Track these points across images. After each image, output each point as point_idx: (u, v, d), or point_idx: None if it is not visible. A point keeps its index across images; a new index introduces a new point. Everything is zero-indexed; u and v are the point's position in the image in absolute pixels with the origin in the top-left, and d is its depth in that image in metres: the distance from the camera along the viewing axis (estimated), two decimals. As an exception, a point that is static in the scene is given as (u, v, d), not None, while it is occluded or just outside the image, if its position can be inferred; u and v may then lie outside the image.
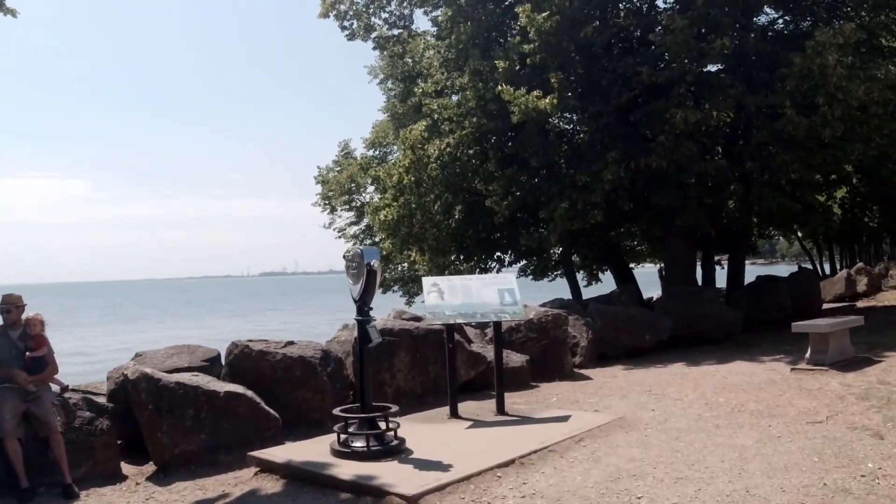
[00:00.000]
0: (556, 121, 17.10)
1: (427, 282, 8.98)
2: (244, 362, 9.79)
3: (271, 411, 8.80)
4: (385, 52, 23.85)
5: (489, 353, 11.12)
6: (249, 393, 8.77)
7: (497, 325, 8.77)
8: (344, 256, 7.37)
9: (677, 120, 14.90)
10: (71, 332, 47.06)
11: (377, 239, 23.22)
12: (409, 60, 22.03)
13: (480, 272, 22.66)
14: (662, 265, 33.65)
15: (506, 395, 9.22)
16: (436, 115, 17.93)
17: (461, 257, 21.75)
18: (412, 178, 17.97)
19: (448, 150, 17.91)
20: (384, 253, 20.84)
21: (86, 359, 29.60)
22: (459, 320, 8.56)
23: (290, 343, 10.11)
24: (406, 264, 27.08)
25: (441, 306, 8.64)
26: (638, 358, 14.59)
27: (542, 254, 22.77)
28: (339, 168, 30.06)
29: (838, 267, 41.89)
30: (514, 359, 11.35)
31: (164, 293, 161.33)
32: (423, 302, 9.02)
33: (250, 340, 10.11)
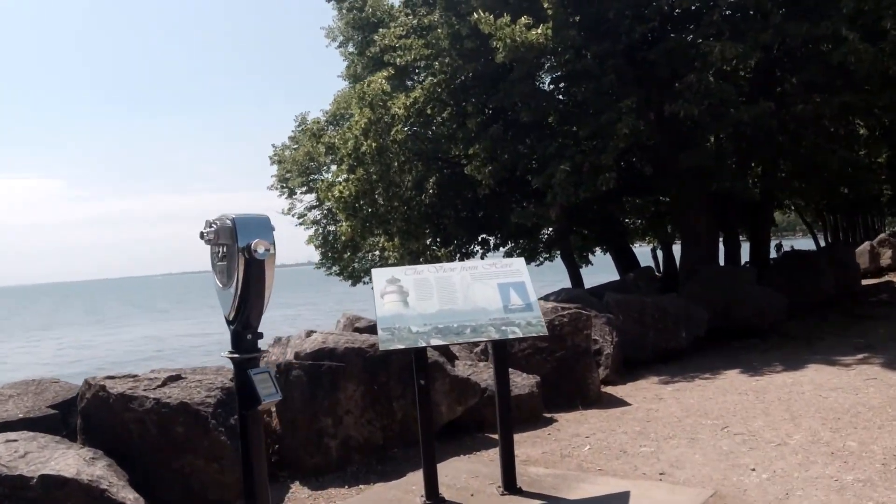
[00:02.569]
0: (552, 61, 13.46)
1: (380, 277, 5.39)
2: (101, 412, 6.30)
3: (131, 499, 5.29)
4: (343, 6, 20.11)
5: (483, 375, 7.56)
6: (93, 472, 5.27)
7: (499, 347, 5.16)
8: (202, 234, 3.75)
9: (714, 55, 11.38)
10: None
11: (340, 222, 19.50)
12: (370, 9, 18.31)
13: (462, 259, 19.06)
14: (656, 244, 30.16)
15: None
16: (398, 60, 14.27)
17: (438, 241, 18.15)
18: (372, 144, 14.30)
19: (416, 106, 14.26)
20: (343, 238, 17.21)
21: None
22: (436, 341, 4.94)
23: (174, 378, 6.51)
24: (377, 252, 23.59)
25: (403, 318, 5.07)
26: (673, 363, 11.11)
27: (537, 233, 19.24)
28: (296, 145, 26.27)
29: (840, 239, 38.74)
30: (519, 382, 7.79)
31: (142, 291, 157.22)
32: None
33: (110, 377, 6.51)
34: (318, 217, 26.09)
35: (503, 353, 5.17)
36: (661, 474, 5.75)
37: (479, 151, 13.18)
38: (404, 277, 5.34)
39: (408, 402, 6.69)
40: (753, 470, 5.67)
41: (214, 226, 3.67)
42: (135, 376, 6.53)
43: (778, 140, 12.71)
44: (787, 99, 12.75)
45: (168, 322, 54.08)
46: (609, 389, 9.12)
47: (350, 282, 26.03)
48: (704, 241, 15.58)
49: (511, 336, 5.03)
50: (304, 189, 26.20)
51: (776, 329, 13.04)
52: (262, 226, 3.67)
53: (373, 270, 5.50)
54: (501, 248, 20.88)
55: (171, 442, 6.07)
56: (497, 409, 5.20)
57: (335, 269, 26.12)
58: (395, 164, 14.47)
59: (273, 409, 6.90)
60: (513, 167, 13.66)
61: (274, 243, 3.68)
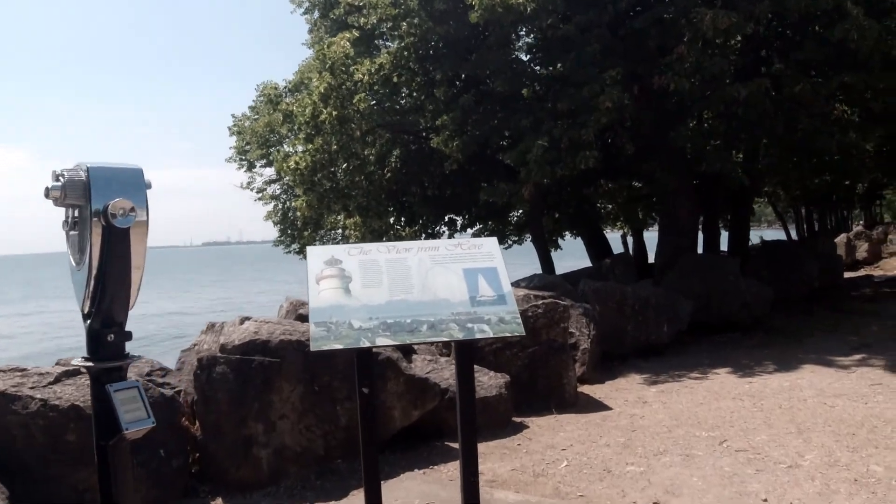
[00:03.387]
0: (531, 26, 12.35)
1: (315, 257, 4.30)
2: (-22, 413, 5.14)
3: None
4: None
5: (444, 373, 6.52)
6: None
7: (464, 349, 4.09)
8: (47, 191, 2.61)
9: (705, 24, 10.38)
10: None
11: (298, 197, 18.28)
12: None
13: (427, 239, 17.97)
14: (627, 230, 29.27)
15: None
16: (363, 21, 13.09)
17: (402, 220, 17.06)
18: (332, 112, 13.12)
19: (382, 73, 13.11)
20: (300, 213, 16.04)
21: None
22: (384, 340, 3.87)
23: (71, 373, 5.39)
24: (340, 230, 22.47)
25: (343, 310, 3.99)
26: (654, 358, 10.19)
27: (507, 214, 18.17)
28: (256, 115, 24.90)
29: (815, 231, 38.14)
30: (486, 382, 6.75)
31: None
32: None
33: (-5, 369, 5.39)
34: (278, 192, 24.82)
35: (468, 357, 4.12)
36: (654, 503, 4.75)
37: (448, 123, 12.07)
38: (347, 258, 4.25)
39: (355, 405, 5.60)
40: (765, 501, 4.69)
41: (62, 179, 2.56)
42: (23, 370, 5.40)
43: (771, 121, 11.72)
44: (780, 78, 11.78)
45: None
46: (586, 389, 8.13)
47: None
48: (685, 228, 14.66)
49: (479, 336, 3.97)
50: (263, 162, 24.88)
51: (760, 323, 12.16)
52: (129, 181, 2.58)
53: (307, 249, 4.39)
54: (469, 230, 19.83)
55: (61, 453, 4.98)
56: (459, 424, 4.15)
57: (294, 247, 24.90)
58: (357, 134, 13.29)
59: (189, 408, 5.82)
60: (484, 142, 12.59)
61: (146, 206, 2.59)
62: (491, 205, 14.07)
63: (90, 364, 2.69)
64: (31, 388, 5.14)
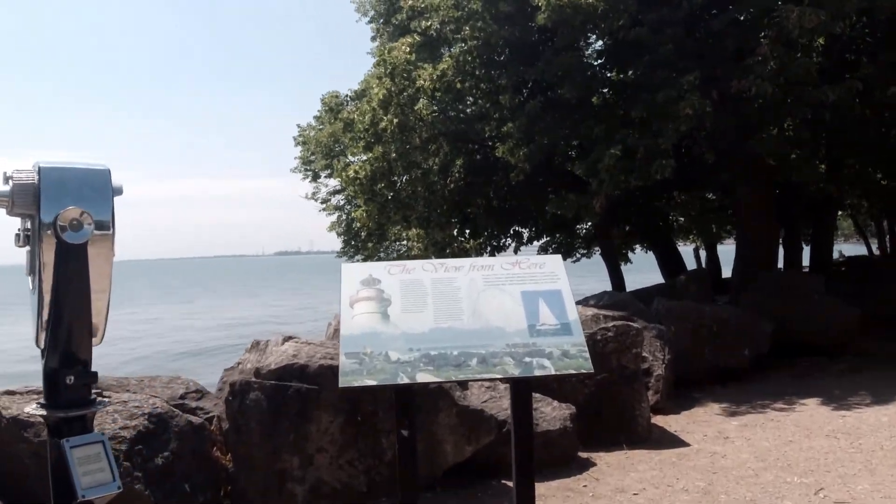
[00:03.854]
0: (601, 27, 11.67)
1: (350, 276, 3.73)
2: (-14, 438, 4.72)
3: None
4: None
5: (503, 403, 5.89)
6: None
7: (520, 386, 3.47)
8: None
9: (791, 22, 9.58)
10: None
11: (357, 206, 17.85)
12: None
13: (491, 254, 17.37)
14: (699, 244, 28.17)
15: (536, 486, 3.89)
16: (425, 25, 12.57)
17: (466, 232, 16.47)
18: (393, 119, 12.64)
19: (445, 79, 12.57)
20: (359, 224, 15.59)
21: None
22: (426, 376, 3.27)
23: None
24: (404, 241, 22.06)
25: (380, 338, 3.43)
26: (732, 384, 9.40)
27: (575, 226, 17.46)
28: (320, 126, 24.67)
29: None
30: (549, 414, 6.10)
31: (172, 273, 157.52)
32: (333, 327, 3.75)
33: (9, 392, 4.96)
34: (342, 202, 24.53)
35: (525, 397, 3.50)
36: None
37: (514, 131, 11.45)
38: (387, 278, 3.68)
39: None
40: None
41: (10, 182, 2.03)
42: (40, 392, 4.95)
43: (861, 127, 10.82)
44: (869, 81, 10.88)
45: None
46: (659, 421, 7.41)
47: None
48: (763, 243, 13.77)
49: (538, 373, 3.36)
50: (327, 172, 24.64)
51: (847, 347, 11.22)
52: (90, 184, 2.04)
53: (342, 266, 3.83)
54: (536, 242, 19.18)
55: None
56: (514, 473, 3.54)
57: (357, 258, 24.59)
58: (418, 142, 12.77)
59: (222, 437, 5.31)
60: (551, 151, 11.94)
61: (112, 216, 2.05)
62: (558, 217, 13.42)
63: (44, 412, 2.16)
64: (44, 416, 4.68)
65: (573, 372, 3.45)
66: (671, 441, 6.76)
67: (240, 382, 5.16)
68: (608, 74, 12.89)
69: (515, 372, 3.32)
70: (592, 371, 3.48)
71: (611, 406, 6.75)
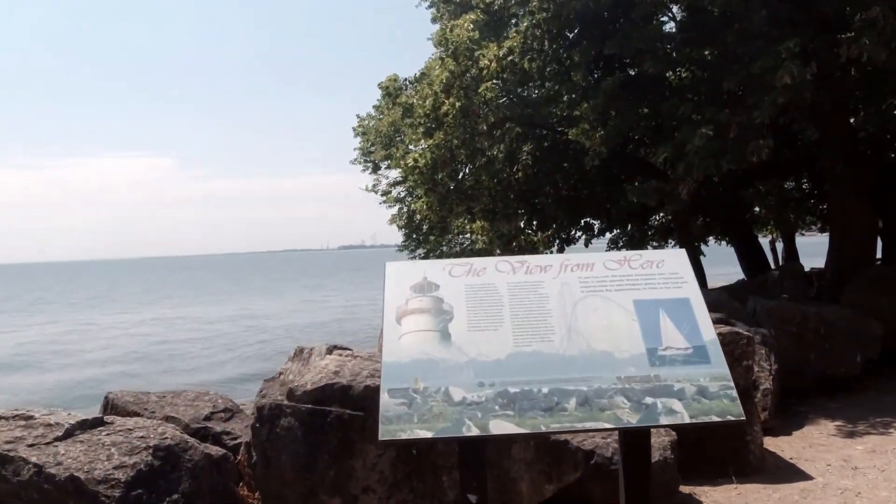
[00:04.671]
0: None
1: (398, 278, 2.74)
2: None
3: None
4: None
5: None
6: None
7: (637, 440, 2.45)
8: None
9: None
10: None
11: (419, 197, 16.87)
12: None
13: (560, 248, 16.26)
14: (776, 236, 26.53)
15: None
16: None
17: (533, 224, 15.38)
18: (455, 103, 11.63)
19: (511, 58, 11.52)
20: (419, 215, 14.65)
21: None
22: (504, 425, 2.27)
23: (91, 424, 4.05)
24: (469, 235, 21.07)
25: (436, 368, 2.43)
26: (842, 397, 8.22)
27: (648, 217, 16.23)
28: (380, 115, 23.75)
29: None
30: (645, 441, 5.05)
31: (240, 267, 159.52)
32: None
33: (-8, 417, 4.11)
34: (402, 194, 23.62)
35: (642, 455, 2.49)
36: None
37: (588, 112, 10.35)
38: (448, 281, 2.70)
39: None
40: None
41: None
42: (29, 417, 4.09)
43: None
44: None
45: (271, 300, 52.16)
46: (770, 444, 6.29)
47: (437, 267, 23.54)
48: (863, 234, 12.41)
49: (665, 421, 2.34)
50: (387, 163, 23.76)
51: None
52: None
53: (387, 265, 2.85)
54: (607, 234, 17.97)
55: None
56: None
57: (419, 252, 23.73)
58: (483, 127, 11.75)
59: (249, 468, 4.39)
60: (629, 133, 10.80)
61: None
62: (634, 206, 12.28)
63: None
64: (30, 445, 3.82)
65: (716, 420, 2.41)
66: (789, 472, 5.65)
67: (269, 406, 4.23)
68: (692, 48, 11.69)
69: (632, 419, 2.31)
70: (744, 418, 2.43)
71: (715, 432, 5.65)
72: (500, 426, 2.27)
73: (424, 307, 2.59)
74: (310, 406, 4.16)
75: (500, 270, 2.73)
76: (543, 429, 2.33)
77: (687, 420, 2.32)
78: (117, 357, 23.53)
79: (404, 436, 2.27)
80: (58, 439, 3.90)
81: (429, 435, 2.26)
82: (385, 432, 2.29)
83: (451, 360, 2.44)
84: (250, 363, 21.83)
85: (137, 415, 5.03)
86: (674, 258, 2.82)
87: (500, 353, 2.44)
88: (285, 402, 4.25)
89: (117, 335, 30.08)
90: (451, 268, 2.73)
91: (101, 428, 4.04)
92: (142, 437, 3.96)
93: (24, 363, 23.23)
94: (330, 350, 5.33)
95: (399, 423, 2.29)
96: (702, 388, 2.37)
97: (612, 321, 2.53)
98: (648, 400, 2.33)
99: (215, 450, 4.24)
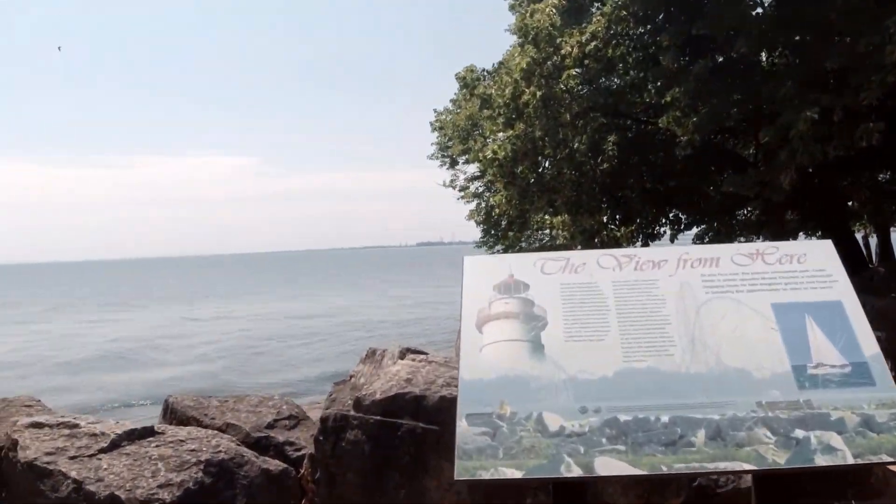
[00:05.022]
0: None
1: (479, 274, 2.26)
2: (11, 485, 3.57)
3: None
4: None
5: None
6: None
7: (781, 482, 1.94)
8: None
9: None
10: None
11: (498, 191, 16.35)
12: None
13: (644, 243, 15.59)
14: (869, 231, 25.20)
15: None
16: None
17: (617, 218, 14.73)
18: (536, 92, 11.10)
19: (594, 44, 10.94)
20: (499, 210, 14.16)
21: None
22: (610, 465, 1.79)
23: (140, 434, 3.70)
24: (548, 231, 20.48)
25: (527, 389, 1.94)
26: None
27: (735, 211, 15.38)
28: (457, 108, 23.30)
29: None
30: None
31: (321, 264, 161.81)
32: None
33: (36, 424, 3.79)
34: (480, 189, 23.12)
35: (783, 498, 1.97)
36: None
37: (679, 98, 9.71)
38: (540, 279, 2.22)
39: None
40: None
41: None
42: (75, 425, 3.76)
43: None
44: None
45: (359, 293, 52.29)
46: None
47: (514, 262, 23.06)
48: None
49: (824, 462, 1.82)
50: (465, 158, 23.30)
51: None
52: None
53: (465, 260, 2.38)
54: (695, 228, 17.18)
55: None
56: None
57: (498, 248, 23.24)
58: (567, 118, 11.19)
59: (313, 483, 3.98)
60: (723, 119, 10.12)
61: None
62: (724, 200, 11.61)
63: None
64: (72, 457, 3.48)
65: (887, 460, 1.88)
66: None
67: (334, 417, 3.81)
68: (787, 28, 10.93)
69: (780, 460, 1.80)
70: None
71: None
72: (609, 465, 1.79)
73: (511, 311, 2.12)
74: (379, 418, 3.73)
75: (602, 266, 2.23)
76: (665, 469, 1.83)
77: (850, 461, 1.80)
78: (209, 354, 23.60)
79: (486, 475, 1.80)
80: (102, 451, 3.56)
81: (518, 475, 1.79)
82: (462, 470, 1.83)
83: (544, 379, 1.96)
84: (340, 361, 21.77)
85: (196, 421, 4.69)
86: (818, 250, 2.29)
87: (607, 370, 1.96)
88: (352, 412, 3.82)
89: (213, 331, 30.36)
90: (542, 263, 2.25)
91: (151, 439, 3.69)
92: (193, 449, 3.59)
93: (119, 357, 23.38)
94: (403, 353, 4.89)
95: (480, 458, 1.83)
96: (866, 417, 1.85)
97: (746, 330, 2.03)
98: (799, 433, 1.82)
99: (275, 464, 3.84)
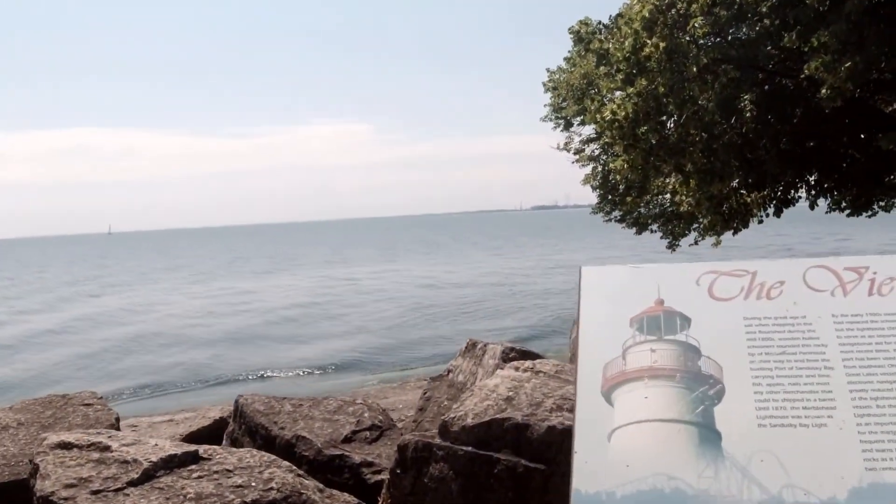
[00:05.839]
0: None
1: (602, 297, 1.39)
2: None
3: None
4: None
5: None
6: None
7: None
8: None
9: None
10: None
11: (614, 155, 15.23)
12: None
13: (777, 210, 14.26)
14: None
15: None
16: None
17: (749, 181, 13.41)
18: (659, 44, 9.98)
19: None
20: (619, 175, 13.10)
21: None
22: None
23: (166, 465, 3.00)
24: (668, 195, 19.21)
25: (684, 470, 1.08)
26: None
27: (881, 175, 13.84)
28: (571, 67, 22.09)
29: None
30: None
31: (433, 228, 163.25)
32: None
33: (64, 446, 3.15)
34: (596, 152, 21.94)
35: None
36: None
37: (829, 42, 8.45)
38: (704, 305, 1.34)
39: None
40: None
41: None
42: (106, 448, 3.10)
43: None
44: None
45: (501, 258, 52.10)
46: None
47: (634, 230, 21.91)
48: None
49: None
50: (580, 119, 22.12)
51: None
52: None
53: (581, 271, 1.53)
54: (828, 197, 15.61)
55: None
56: None
57: (615, 214, 22.06)
58: (694, 71, 10.04)
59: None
60: (881, 65, 8.81)
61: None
62: (865, 162, 10.27)
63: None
64: (95, 492, 2.82)
65: None
66: None
67: (414, 445, 3.03)
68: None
69: None
70: None
71: None
72: None
73: (662, 367, 1.28)
74: (470, 449, 2.93)
75: (813, 287, 1.34)
76: None
77: None
78: (369, 326, 23.71)
79: None
80: (132, 483, 2.90)
81: None
82: None
83: (724, 500, 1.11)
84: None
85: (264, 430, 4.02)
86: None
87: (838, 486, 1.09)
88: (437, 440, 3.04)
89: (374, 294, 30.60)
90: (711, 280, 1.37)
91: (193, 467, 3.01)
92: (239, 485, 2.88)
93: (291, 322, 23.59)
94: (506, 354, 4.08)
95: None
96: None
97: None
98: None
99: (344, 501, 3.11)
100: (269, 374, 15.37)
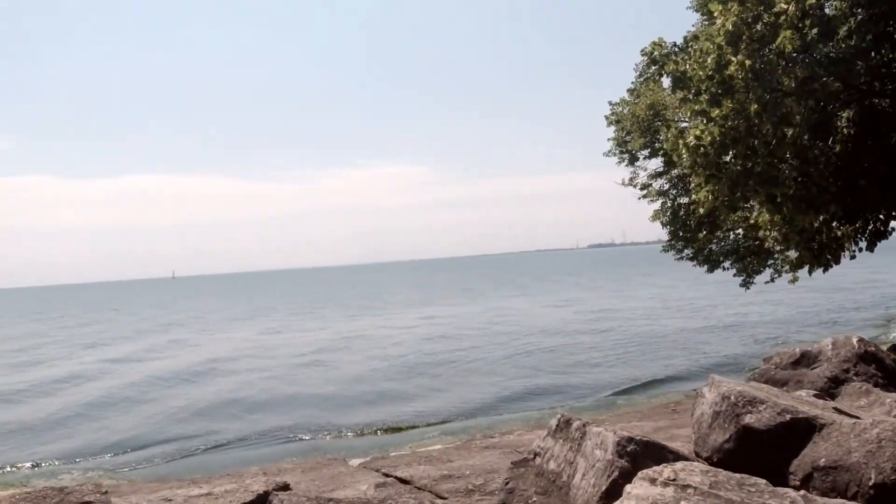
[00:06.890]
0: None
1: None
2: None
3: None
4: None
5: None
6: None
7: None
8: None
9: None
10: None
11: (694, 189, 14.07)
12: None
13: (870, 245, 12.99)
14: None
15: None
16: None
17: (841, 214, 12.17)
18: (745, 61, 8.96)
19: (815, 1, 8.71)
20: (701, 209, 11.98)
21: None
22: None
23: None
24: (740, 230, 18.13)
25: None
26: None
27: None
28: (635, 99, 21.03)
29: None
30: None
31: (504, 268, 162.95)
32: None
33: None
34: (665, 186, 20.79)
35: None
36: None
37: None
38: None
39: None
40: None
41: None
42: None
43: None
44: None
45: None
46: None
47: (706, 267, 20.68)
48: None
49: None
50: (646, 153, 21.03)
51: None
52: None
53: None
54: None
55: None
56: None
57: (687, 252, 20.92)
58: (791, 84, 8.97)
59: None
60: None
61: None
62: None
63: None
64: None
65: None
66: None
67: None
68: None
69: None
70: None
71: None
72: None
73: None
74: None
75: None
76: None
77: None
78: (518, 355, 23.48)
79: None
80: None
81: None
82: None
83: None
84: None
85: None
86: None
87: None
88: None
89: (511, 332, 30.09)
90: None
91: None
92: None
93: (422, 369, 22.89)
94: (622, 447, 3.02)
95: None
96: None
97: None
98: None
99: None
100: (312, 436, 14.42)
